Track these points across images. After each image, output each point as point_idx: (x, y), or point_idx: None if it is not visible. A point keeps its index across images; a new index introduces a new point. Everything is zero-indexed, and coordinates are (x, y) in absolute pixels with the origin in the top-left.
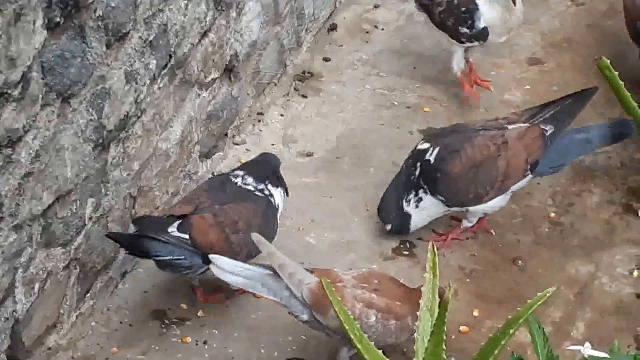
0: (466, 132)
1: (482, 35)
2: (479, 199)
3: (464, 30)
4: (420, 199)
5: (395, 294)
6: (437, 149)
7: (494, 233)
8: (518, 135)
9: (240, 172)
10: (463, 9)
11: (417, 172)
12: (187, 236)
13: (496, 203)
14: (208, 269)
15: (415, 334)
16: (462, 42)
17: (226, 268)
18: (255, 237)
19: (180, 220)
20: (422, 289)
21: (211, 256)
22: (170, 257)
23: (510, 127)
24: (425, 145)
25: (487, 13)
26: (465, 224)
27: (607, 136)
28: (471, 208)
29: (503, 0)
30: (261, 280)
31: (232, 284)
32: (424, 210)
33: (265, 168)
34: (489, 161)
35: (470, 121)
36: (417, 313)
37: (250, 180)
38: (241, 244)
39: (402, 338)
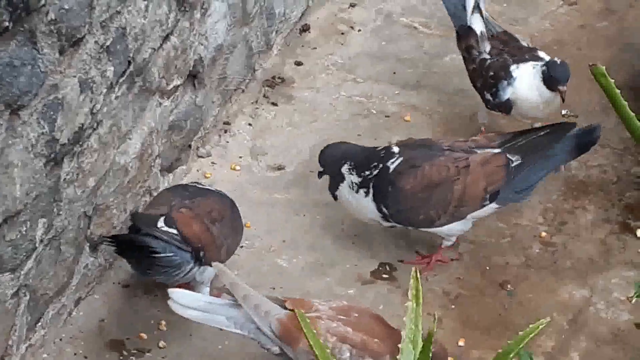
0: (432, 149)
1: (505, 107)
2: (430, 221)
3: (488, 97)
4: (359, 192)
5: (373, 331)
6: (400, 160)
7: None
8: (482, 161)
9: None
10: (491, 73)
11: (374, 173)
12: (175, 231)
13: (454, 227)
14: (195, 266)
15: None
16: (488, 108)
17: (186, 303)
18: (217, 266)
19: (164, 216)
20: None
21: (169, 290)
22: (164, 254)
23: (478, 151)
24: (395, 150)
25: (522, 88)
26: (446, 243)
27: (574, 149)
28: (426, 230)
29: (548, 93)
30: (226, 314)
31: (193, 319)
32: (355, 201)
33: None
34: (446, 184)
35: (445, 136)
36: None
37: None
38: (221, 236)
39: None
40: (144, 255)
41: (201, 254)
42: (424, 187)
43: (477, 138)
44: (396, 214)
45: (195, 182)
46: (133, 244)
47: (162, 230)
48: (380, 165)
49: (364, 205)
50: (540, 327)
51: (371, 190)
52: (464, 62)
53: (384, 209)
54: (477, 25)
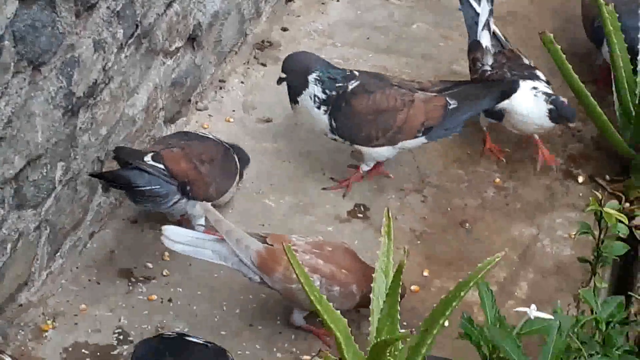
0: (384, 81)
1: (496, 115)
2: (368, 140)
3: None
4: (320, 108)
5: (343, 263)
6: (357, 83)
7: (392, 177)
8: (425, 99)
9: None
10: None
11: (338, 93)
12: (162, 166)
13: (382, 152)
14: (182, 198)
15: (371, 294)
16: (484, 114)
17: (176, 238)
18: (204, 205)
19: (153, 153)
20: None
21: (163, 227)
22: (149, 187)
23: (420, 91)
24: (356, 73)
25: (516, 103)
26: (363, 167)
27: (498, 96)
28: (359, 147)
29: (549, 123)
30: (211, 248)
31: (182, 253)
32: (313, 113)
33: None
34: (391, 111)
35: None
36: (365, 288)
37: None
38: (210, 175)
39: (345, 306)
40: (130, 187)
41: (187, 188)
42: (373, 110)
43: (422, 81)
44: (342, 128)
45: (200, 131)
46: (118, 179)
47: (147, 163)
48: (342, 89)
49: (319, 118)
50: (495, 260)
51: (329, 108)
52: (469, 71)
53: (334, 123)
54: (485, 40)
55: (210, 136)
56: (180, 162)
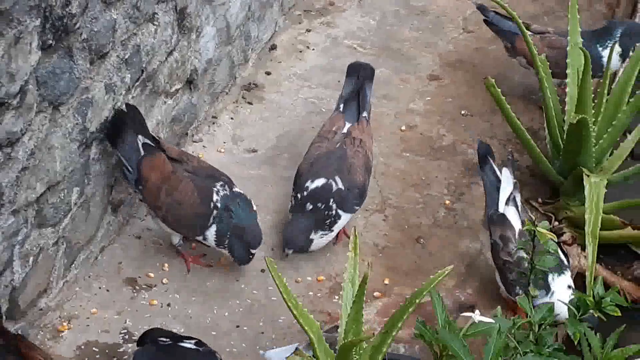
0: (337, 152)
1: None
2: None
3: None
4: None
5: None
6: (338, 178)
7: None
8: (361, 132)
9: None
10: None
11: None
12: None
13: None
14: (135, 190)
15: (340, 301)
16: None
17: None
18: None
19: (151, 144)
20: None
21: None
22: (124, 161)
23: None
24: (321, 181)
25: (560, 304)
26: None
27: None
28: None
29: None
30: None
31: None
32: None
33: None
34: (366, 159)
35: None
36: None
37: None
38: (166, 198)
39: None
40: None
41: (140, 187)
42: (364, 172)
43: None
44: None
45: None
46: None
47: (137, 141)
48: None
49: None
50: (446, 273)
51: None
52: (491, 249)
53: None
54: (513, 218)
55: (215, 194)
56: (158, 166)
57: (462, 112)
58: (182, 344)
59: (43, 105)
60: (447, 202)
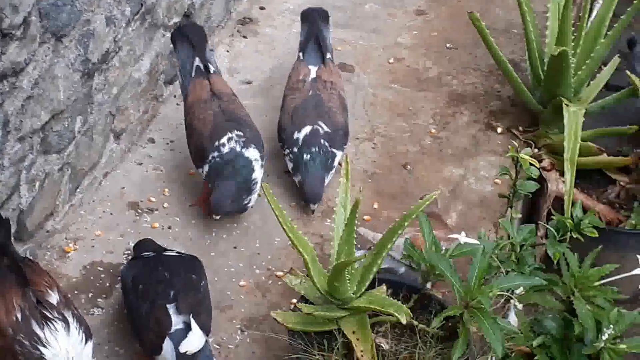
0: (313, 99)
1: None
2: None
3: None
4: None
5: None
6: (321, 122)
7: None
8: (330, 74)
9: None
10: None
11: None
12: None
13: None
14: None
15: (333, 224)
16: None
17: None
18: None
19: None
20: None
21: None
22: (178, 72)
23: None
24: (308, 129)
25: None
26: None
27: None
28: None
29: None
30: None
31: None
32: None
33: None
34: (341, 100)
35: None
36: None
37: None
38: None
39: None
40: None
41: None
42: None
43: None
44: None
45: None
46: None
47: (188, 66)
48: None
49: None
50: (433, 197)
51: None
52: None
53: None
54: None
55: (226, 139)
56: (197, 90)
57: (447, 45)
58: (164, 253)
59: (46, 37)
60: (433, 130)
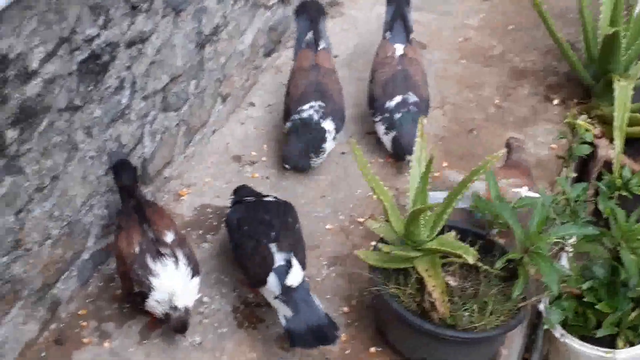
0: (402, 72)
1: None
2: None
3: None
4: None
5: None
6: (411, 93)
7: None
8: (326, 60)
9: None
10: None
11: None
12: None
13: None
14: None
15: (408, 177)
16: None
17: None
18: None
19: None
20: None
21: None
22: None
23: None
24: (399, 98)
25: None
26: None
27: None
28: None
29: None
30: None
31: None
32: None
33: None
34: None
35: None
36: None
37: None
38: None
39: None
40: None
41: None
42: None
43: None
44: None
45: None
46: None
47: (302, 37)
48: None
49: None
50: (499, 156)
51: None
52: None
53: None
54: None
55: (308, 105)
56: (301, 59)
57: (510, 27)
58: (264, 199)
59: (167, 10)
60: (496, 101)
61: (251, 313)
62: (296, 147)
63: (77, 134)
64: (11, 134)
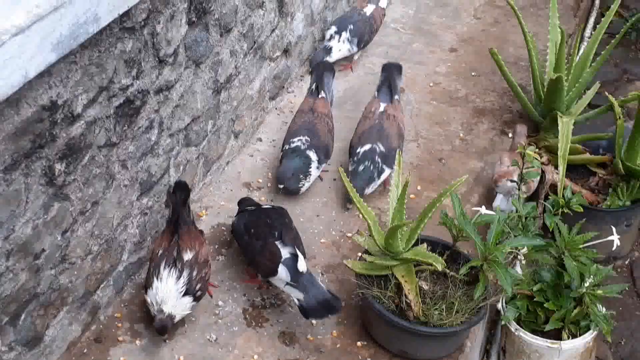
0: (377, 126)
1: None
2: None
3: None
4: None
5: None
6: (379, 143)
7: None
8: (321, 107)
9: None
10: None
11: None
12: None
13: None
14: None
15: (389, 199)
16: None
17: None
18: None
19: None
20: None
21: None
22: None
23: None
24: (368, 146)
25: None
26: None
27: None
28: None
29: None
30: None
31: None
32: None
33: None
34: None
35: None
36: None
37: None
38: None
39: None
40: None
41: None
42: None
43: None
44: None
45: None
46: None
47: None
48: None
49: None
50: (462, 180)
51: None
52: None
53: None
54: None
55: (298, 140)
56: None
57: (472, 73)
58: (263, 206)
59: (189, 63)
60: (461, 135)
61: (258, 314)
62: (288, 167)
63: (114, 166)
64: (59, 166)
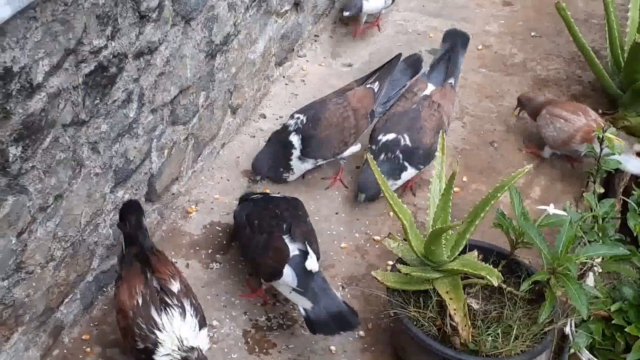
0: (412, 112)
1: None
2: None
3: None
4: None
5: None
6: (406, 135)
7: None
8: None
9: None
10: None
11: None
12: None
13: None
14: None
15: (429, 194)
16: None
17: None
18: None
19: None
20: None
21: None
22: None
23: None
24: (392, 136)
25: None
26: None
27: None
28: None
29: None
30: None
31: None
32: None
33: None
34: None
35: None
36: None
37: None
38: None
39: None
40: None
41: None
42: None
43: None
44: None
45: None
46: None
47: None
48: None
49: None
50: (525, 170)
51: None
52: None
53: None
54: None
55: (293, 118)
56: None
57: (532, 33)
58: (271, 195)
59: (177, 20)
60: (518, 112)
61: (262, 337)
62: (263, 154)
63: (82, 150)
64: (14, 151)
